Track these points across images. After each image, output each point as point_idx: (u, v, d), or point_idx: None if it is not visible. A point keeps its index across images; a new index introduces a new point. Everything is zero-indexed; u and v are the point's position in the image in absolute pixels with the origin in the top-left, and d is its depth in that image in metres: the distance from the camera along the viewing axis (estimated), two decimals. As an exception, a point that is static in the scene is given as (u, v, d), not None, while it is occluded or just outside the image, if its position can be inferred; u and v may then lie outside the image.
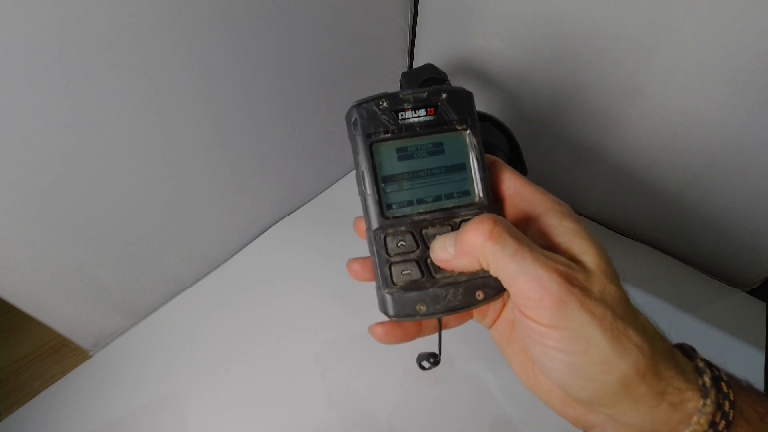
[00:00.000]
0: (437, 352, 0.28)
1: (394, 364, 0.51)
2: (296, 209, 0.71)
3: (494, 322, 0.28)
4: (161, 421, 0.49)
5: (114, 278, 0.52)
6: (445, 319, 0.28)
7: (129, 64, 0.42)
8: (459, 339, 0.29)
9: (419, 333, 0.27)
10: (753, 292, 0.61)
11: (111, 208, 0.48)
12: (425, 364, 0.28)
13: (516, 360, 0.27)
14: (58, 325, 0.50)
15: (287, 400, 0.50)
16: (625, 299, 0.22)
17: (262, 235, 0.67)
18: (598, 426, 0.24)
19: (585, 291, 0.21)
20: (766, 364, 0.52)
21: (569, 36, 0.55)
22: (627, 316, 0.22)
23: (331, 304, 0.58)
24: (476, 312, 0.28)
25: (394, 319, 0.25)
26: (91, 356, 0.55)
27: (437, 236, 0.25)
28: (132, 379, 0.52)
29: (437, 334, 0.28)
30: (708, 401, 0.21)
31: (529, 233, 0.25)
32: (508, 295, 0.27)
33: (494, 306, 0.28)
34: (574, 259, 0.23)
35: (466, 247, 0.23)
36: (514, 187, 0.26)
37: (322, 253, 0.63)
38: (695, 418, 0.21)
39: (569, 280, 0.21)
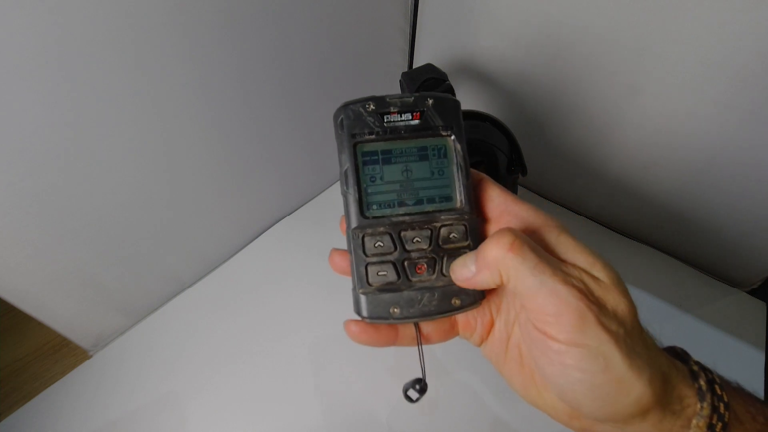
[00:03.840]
0: (422, 376, 0.26)
1: (394, 365, 0.51)
2: (296, 209, 0.71)
3: (483, 340, 0.28)
4: (161, 421, 0.49)
5: (114, 278, 0.52)
6: (426, 333, 0.27)
7: (129, 64, 0.42)
8: (458, 342, 0.29)
9: (395, 339, 0.26)
10: (753, 292, 0.61)
11: (111, 208, 0.48)
12: (412, 394, 0.26)
13: (516, 379, 0.26)
14: (58, 325, 0.50)
15: (287, 400, 0.50)
16: (635, 314, 0.22)
17: (262, 235, 0.67)
18: None
19: (601, 307, 0.21)
20: (766, 364, 0.52)
21: (569, 36, 0.55)
22: (635, 332, 0.22)
23: (330, 304, 0.58)
24: (462, 328, 0.28)
25: (367, 320, 0.25)
26: (91, 356, 0.55)
27: (457, 258, 0.25)
28: (132, 379, 0.52)
29: (420, 357, 0.26)
30: (705, 404, 0.22)
31: None
32: (498, 311, 0.27)
33: (482, 322, 0.27)
34: (586, 274, 0.22)
35: (488, 260, 0.22)
36: (504, 204, 0.26)
37: (322, 253, 0.63)
38: (694, 422, 0.21)
39: (587, 296, 0.21)
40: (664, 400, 0.21)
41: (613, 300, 0.22)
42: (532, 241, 0.22)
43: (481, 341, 0.28)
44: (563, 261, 0.23)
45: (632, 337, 0.21)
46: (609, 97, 0.57)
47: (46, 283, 0.46)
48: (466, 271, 0.24)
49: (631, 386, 0.20)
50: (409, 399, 0.26)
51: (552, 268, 0.21)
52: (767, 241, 0.56)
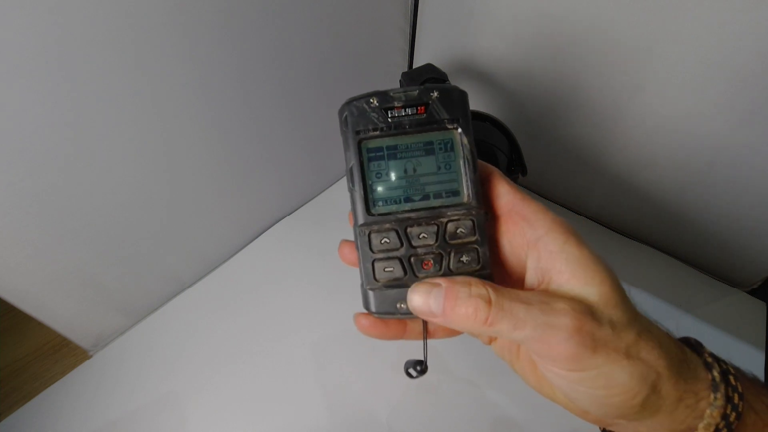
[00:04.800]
0: (423, 359, 0.27)
1: (394, 364, 0.51)
2: (296, 209, 0.71)
3: (492, 339, 0.28)
4: (161, 421, 0.49)
5: (114, 278, 0.52)
6: (432, 328, 0.27)
7: (129, 64, 0.42)
8: (460, 338, 0.29)
9: (404, 334, 0.27)
10: (753, 292, 0.61)
11: (111, 207, 0.48)
12: (412, 372, 0.27)
13: (530, 377, 0.26)
14: (58, 325, 0.50)
15: (287, 400, 0.50)
16: (634, 318, 0.22)
17: (262, 235, 0.67)
18: (616, 425, 0.24)
19: (594, 334, 0.21)
20: (766, 364, 0.52)
21: (569, 36, 0.55)
22: (639, 338, 0.22)
23: (330, 304, 0.58)
24: None
25: (375, 315, 0.26)
26: (91, 356, 0.55)
27: (416, 284, 0.24)
28: (132, 379, 0.52)
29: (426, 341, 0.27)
30: (718, 395, 0.22)
31: (528, 259, 0.24)
32: None
33: None
34: (577, 295, 0.22)
35: (461, 327, 0.23)
36: (512, 202, 0.25)
37: (322, 253, 0.63)
38: (708, 412, 0.22)
39: (578, 330, 0.21)
40: (674, 396, 0.21)
41: (608, 317, 0.21)
42: (502, 290, 0.22)
43: (490, 340, 0.28)
44: (559, 272, 0.22)
45: (636, 345, 0.21)
46: (609, 97, 0.57)
47: (46, 283, 0.46)
48: (424, 307, 0.23)
49: (636, 392, 0.21)
50: (409, 375, 0.27)
51: (533, 317, 0.21)
52: (767, 241, 0.56)
